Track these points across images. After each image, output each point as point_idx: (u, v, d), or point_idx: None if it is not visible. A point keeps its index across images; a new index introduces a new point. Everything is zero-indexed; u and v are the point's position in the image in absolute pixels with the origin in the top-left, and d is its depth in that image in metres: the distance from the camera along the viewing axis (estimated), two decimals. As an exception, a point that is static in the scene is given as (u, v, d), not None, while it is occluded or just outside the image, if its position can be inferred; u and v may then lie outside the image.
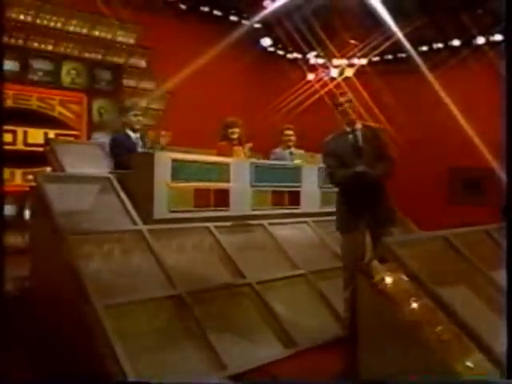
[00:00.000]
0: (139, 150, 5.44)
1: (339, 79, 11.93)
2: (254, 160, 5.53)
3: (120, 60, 10.39)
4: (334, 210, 6.06)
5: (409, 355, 2.79)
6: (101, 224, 4.32)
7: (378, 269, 2.91)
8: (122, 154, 5.35)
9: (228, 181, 5.09)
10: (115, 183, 4.74)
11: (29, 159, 8.07)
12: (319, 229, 5.72)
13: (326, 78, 12.08)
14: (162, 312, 3.83)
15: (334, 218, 6.00)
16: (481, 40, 11.67)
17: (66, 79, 9.79)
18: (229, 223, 5.04)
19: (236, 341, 3.93)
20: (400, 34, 11.47)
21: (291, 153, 6.62)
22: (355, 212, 4.35)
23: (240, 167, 5.24)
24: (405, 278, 2.90)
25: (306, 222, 5.72)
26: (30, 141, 8.61)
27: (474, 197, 11.32)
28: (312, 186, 5.92)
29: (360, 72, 12.01)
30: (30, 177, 7.51)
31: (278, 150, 6.63)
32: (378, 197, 4.38)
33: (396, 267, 2.92)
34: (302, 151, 6.68)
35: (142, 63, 10.67)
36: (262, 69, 12.32)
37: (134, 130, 5.63)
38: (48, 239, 4.28)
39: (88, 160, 5.85)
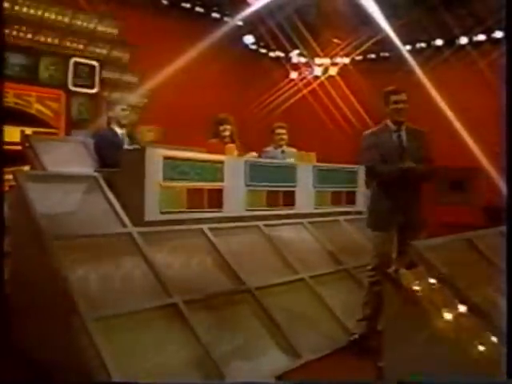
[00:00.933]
0: (126, 147, 5.02)
1: (323, 78, 11.65)
2: (247, 158, 5.17)
3: (100, 56, 9.94)
4: (330, 210, 5.82)
5: (443, 367, 2.47)
6: (87, 227, 3.92)
7: (407, 276, 2.59)
8: (107, 151, 4.95)
9: (222, 180, 4.72)
10: (102, 182, 4.33)
11: (5, 158, 7.57)
12: (315, 230, 5.38)
13: (309, 77, 11.78)
14: (157, 323, 3.45)
15: (327, 219, 5.75)
16: (464, 40, 11.51)
17: (43, 75, 9.32)
18: (223, 225, 4.68)
19: (237, 353, 3.57)
20: (384, 33, 11.25)
21: (283, 151, 6.27)
22: (392, 210, 4.13)
23: (234, 166, 4.87)
24: (435, 283, 2.59)
25: (301, 223, 5.38)
26: (5, 139, 8.11)
27: (459, 197, 11.12)
28: (307, 185, 5.58)
29: (344, 71, 11.74)
30: (8, 177, 7.03)
31: (269, 149, 6.27)
32: (414, 198, 4.21)
33: (425, 272, 2.61)
34: (294, 150, 6.35)
35: (124, 59, 10.21)
36: (244, 67, 11.96)
37: (121, 126, 5.22)
38: (30, 244, 3.86)
39: (70, 158, 5.43)
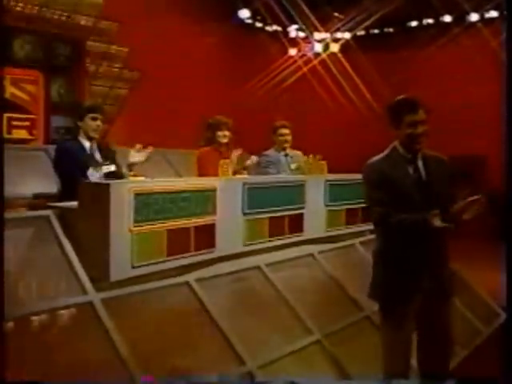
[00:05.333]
0: (93, 171, 3.68)
1: (324, 55, 10.25)
2: (246, 178, 3.91)
3: (81, 33, 8.52)
4: (342, 232, 4.61)
5: None
6: (30, 297, 2.68)
7: None
8: (68, 170, 3.67)
9: (214, 212, 3.47)
10: (56, 226, 3.06)
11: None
12: (327, 263, 4.16)
13: (309, 54, 10.37)
14: None
15: (341, 244, 4.54)
16: (474, 17, 10.08)
17: (18, 55, 7.92)
18: (215, 270, 3.46)
19: None
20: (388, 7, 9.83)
21: (286, 155, 5.02)
22: (411, 277, 2.77)
23: (229, 191, 3.61)
24: None
25: (311, 255, 4.16)
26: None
27: (466, 187, 9.92)
28: (317, 204, 4.33)
29: (345, 47, 10.33)
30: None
31: (270, 153, 5.00)
32: (441, 254, 2.84)
33: None
34: (299, 152, 5.10)
35: (107, 36, 8.80)
36: (238, 42, 10.55)
37: (91, 139, 3.86)
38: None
39: (30, 172, 4.19)
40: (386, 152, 2.94)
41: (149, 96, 8.96)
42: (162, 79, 9.10)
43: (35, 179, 4.16)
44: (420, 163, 2.85)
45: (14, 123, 7.58)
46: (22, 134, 7.79)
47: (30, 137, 7.90)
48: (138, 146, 3.79)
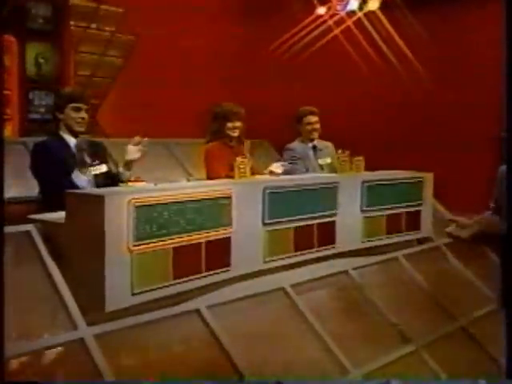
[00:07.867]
0: (79, 174, 3.72)
1: (360, 14, 10.14)
2: (267, 181, 3.93)
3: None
4: (383, 243, 4.64)
5: None
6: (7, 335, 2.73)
7: None
8: (53, 175, 3.71)
9: (229, 224, 3.50)
10: (39, 243, 3.11)
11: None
12: (365, 283, 4.18)
13: (342, 13, 10.27)
14: None
15: (381, 258, 4.56)
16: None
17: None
18: (230, 293, 3.52)
19: None
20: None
21: (315, 147, 5.05)
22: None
23: (247, 197, 3.64)
24: None
25: (344, 272, 4.18)
26: None
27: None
28: (352, 210, 4.34)
29: (386, 4, 10.18)
30: None
31: (295, 146, 5.04)
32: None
33: None
34: (329, 144, 5.13)
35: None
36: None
37: (76, 134, 3.88)
38: None
39: (8, 172, 4.22)
40: None
41: (145, 65, 8.97)
42: (162, 44, 9.08)
43: (10, 179, 4.20)
44: None
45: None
46: (-9, 113, 7.87)
47: (2, 116, 7.98)
48: (137, 138, 3.83)
